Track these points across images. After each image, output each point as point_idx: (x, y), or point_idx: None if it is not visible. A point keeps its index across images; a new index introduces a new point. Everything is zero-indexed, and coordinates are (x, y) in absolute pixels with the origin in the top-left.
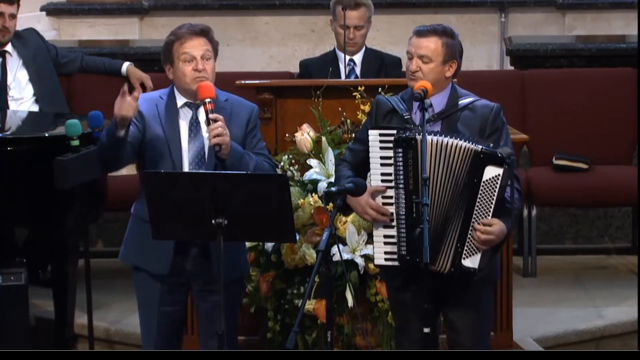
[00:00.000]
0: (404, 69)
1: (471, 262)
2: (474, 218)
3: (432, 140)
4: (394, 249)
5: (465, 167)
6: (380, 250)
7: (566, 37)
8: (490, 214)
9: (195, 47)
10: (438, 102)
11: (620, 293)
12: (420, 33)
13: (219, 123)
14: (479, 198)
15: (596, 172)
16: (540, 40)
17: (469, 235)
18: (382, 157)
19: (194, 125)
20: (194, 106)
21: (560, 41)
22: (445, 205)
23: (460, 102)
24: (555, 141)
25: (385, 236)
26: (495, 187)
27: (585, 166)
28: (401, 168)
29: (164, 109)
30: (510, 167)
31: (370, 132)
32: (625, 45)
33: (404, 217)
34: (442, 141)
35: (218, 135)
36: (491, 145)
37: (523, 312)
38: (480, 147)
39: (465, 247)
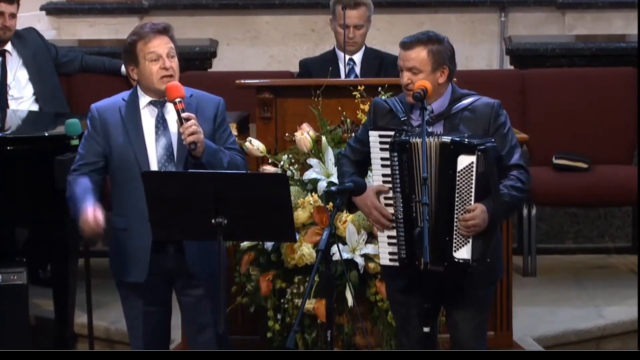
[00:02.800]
0: None
1: (463, 253)
2: (457, 209)
3: (429, 141)
4: (396, 249)
5: (440, 160)
6: (385, 250)
7: (566, 37)
8: (472, 202)
9: (160, 45)
10: (438, 106)
11: (620, 293)
12: (405, 45)
13: (192, 121)
14: (458, 188)
15: (596, 171)
16: (541, 39)
17: (455, 227)
18: (382, 159)
19: (160, 123)
20: (159, 104)
21: (560, 41)
22: (435, 203)
23: (460, 103)
24: (555, 141)
25: (389, 237)
26: (471, 175)
27: (585, 166)
28: (397, 171)
29: (127, 112)
30: (486, 153)
31: (371, 133)
32: (625, 45)
33: (402, 219)
34: (435, 142)
35: (192, 134)
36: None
37: (523, 311)
38: (449, 138)
39: (454, 239)
